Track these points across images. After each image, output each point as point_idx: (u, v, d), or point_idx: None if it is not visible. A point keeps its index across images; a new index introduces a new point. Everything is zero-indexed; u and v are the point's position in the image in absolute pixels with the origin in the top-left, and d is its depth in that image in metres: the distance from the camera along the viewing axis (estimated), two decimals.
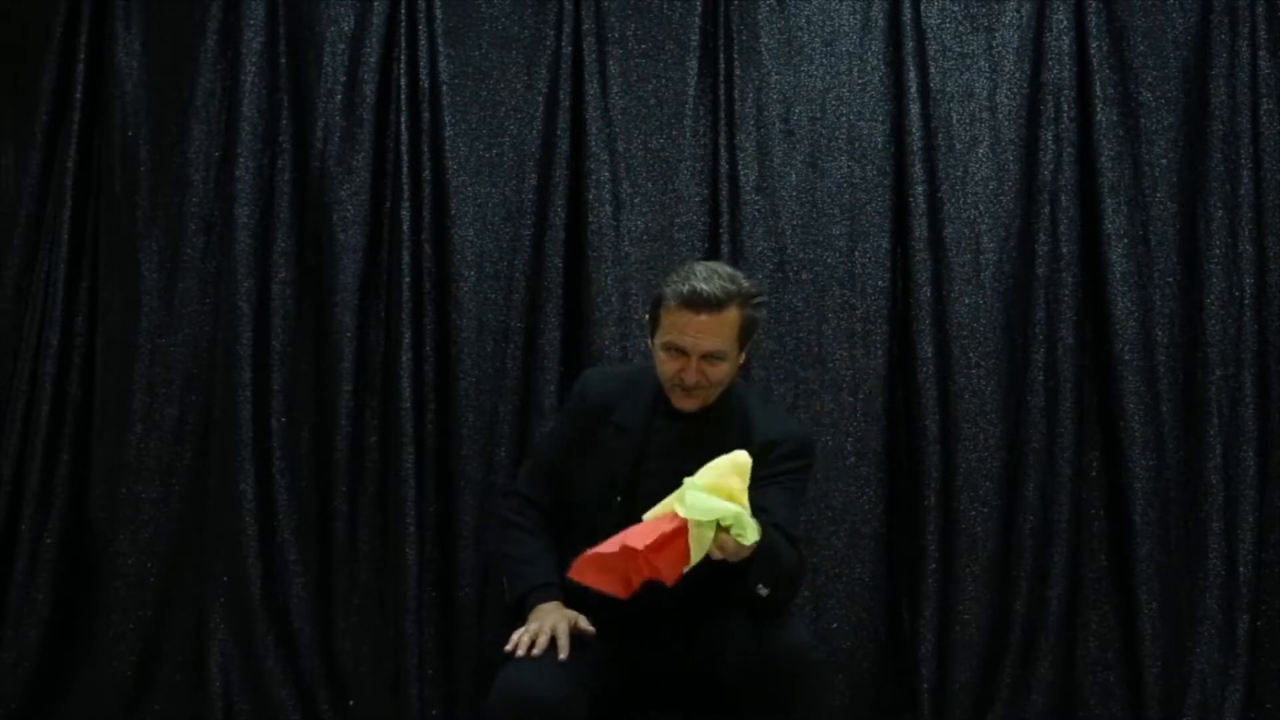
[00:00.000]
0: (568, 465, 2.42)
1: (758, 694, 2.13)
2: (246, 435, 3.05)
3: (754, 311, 2.29)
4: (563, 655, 2.16)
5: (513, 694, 2.10)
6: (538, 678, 2.11)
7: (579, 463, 2.40)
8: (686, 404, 2.31)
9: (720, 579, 2.22)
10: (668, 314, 2.26)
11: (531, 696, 2.08)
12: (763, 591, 2.15)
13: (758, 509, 2.11)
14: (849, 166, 3.15)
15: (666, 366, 2.28)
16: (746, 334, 2.30)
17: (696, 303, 2.21)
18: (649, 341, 2.37)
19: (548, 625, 2.21)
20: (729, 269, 2.33)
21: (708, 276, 2.24)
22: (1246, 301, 3.05)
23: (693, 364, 2.25)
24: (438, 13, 3.17)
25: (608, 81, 3.16)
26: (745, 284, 2.28)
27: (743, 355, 2.35)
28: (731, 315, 2.25)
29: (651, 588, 2.06)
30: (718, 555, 2.04)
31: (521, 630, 2.22)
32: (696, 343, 2.23)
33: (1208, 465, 3.01)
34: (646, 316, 2.37)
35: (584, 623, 2.24)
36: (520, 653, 2.17)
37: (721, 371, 2.28)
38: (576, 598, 2.29)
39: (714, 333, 2.23)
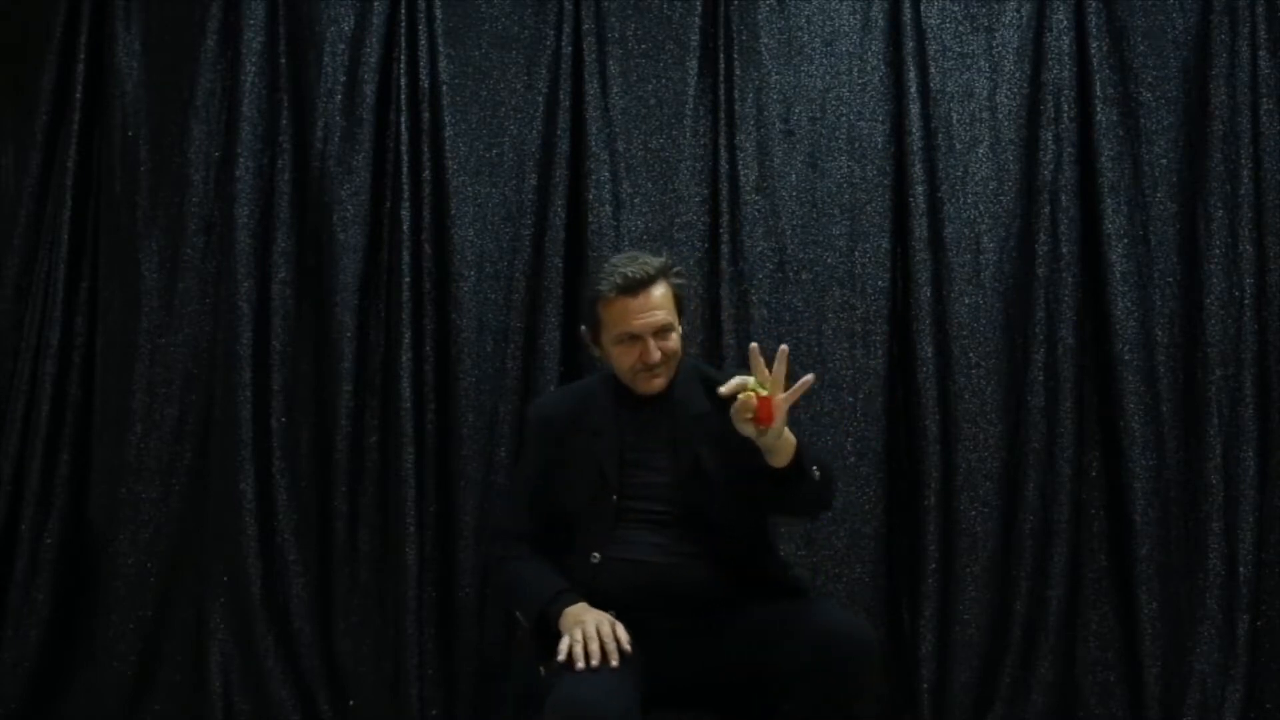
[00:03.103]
0: (550, 485, 2.41)
1: (818, 682, 2.11)
2: (246, 435, 3.05)
3: (679, 280, 2.42)
4: (626, 648, 2.12)
5: (577, 713, 2.01)
6: (598, 692, 2.04)
7: (561, 478, 2.40)
8: (655, 384, 2.37)
9: (745, 566, 2.29)
10: (609, 310, 2.34)
11: (598, 714, 2.00)
12: (816, 474, 2.23)
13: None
14: (849, 166, 3.15)
15: (626, 358, 2.35)
16: (680, 304, 2.42)
17: (633, 286, 2.32)
18: (595, 351, 2.44)
19: (592, 630, 2.14)
20: (638, 252, 2.44)
21: (628, 262, 2.36)
22: (1246, 301, 3.05)
23: (650, 344, 2.33)
24: (438, 13, 3.17)
25: (608, 81, 3.16)
26: (661, 260, 2.39)
27: (681, 326, 2.43)
28: (663, 288, 2.36)
29: (673, 580, 2.26)
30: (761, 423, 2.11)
31: (566, 640, 2.13)
32: (647, 322, 2.33)
33: (1208, 465, 3.01)
34: (583, 328, 2.44)
35: (621, 628, 2.17)
36: (580, 665, 2.09)
37: (674, 343, 2.37)
38: (599, 602, 2.25)
39: (657, 307, 2.34)
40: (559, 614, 2.23)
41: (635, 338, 2.33)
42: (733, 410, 2.11)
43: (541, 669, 2.21)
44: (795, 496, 2.25)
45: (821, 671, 2.10)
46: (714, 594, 2.30)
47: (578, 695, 2.03)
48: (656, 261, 2.37)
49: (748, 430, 2.12)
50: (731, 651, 2.24)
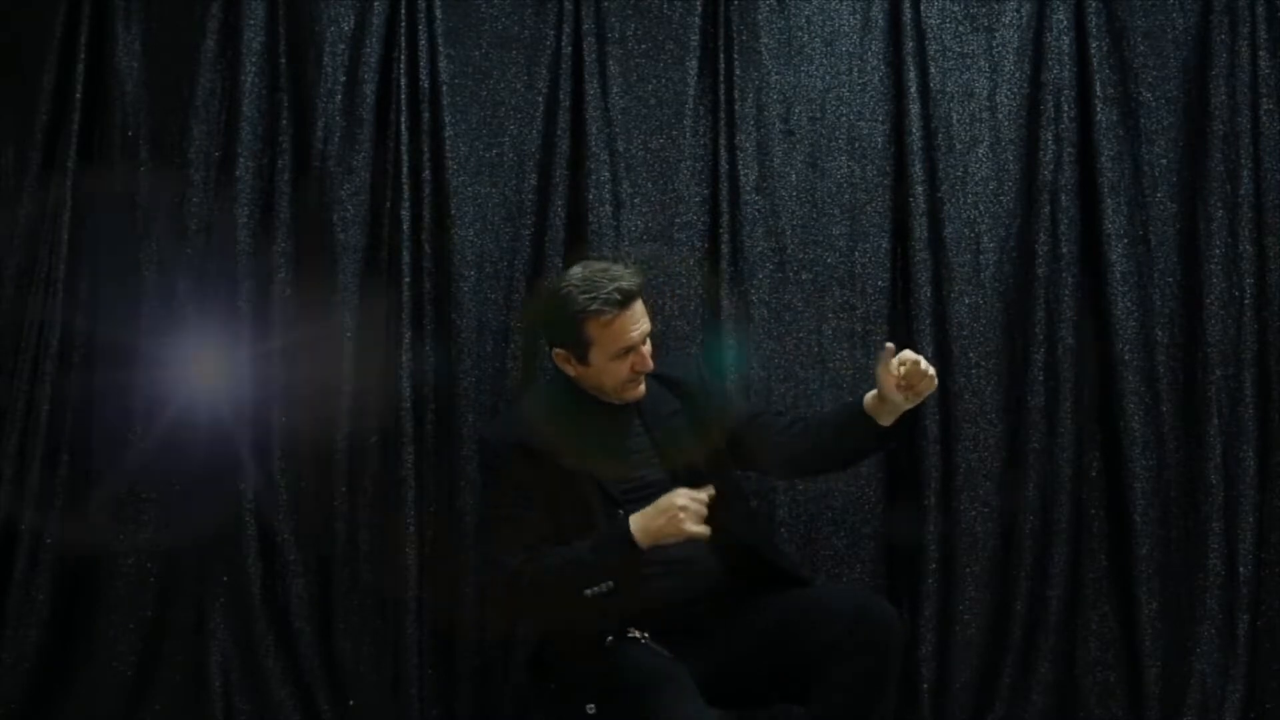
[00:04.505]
0: (547, 509, 2.34)
1: (856, 659, 2.15)
2: (246, 436, 3.05)
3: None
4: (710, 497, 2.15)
5: None
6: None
7: (558, 507, 2.34)
8: (640, 390, 2.40)
9: (755, 555, 2.35)
10: (606, 327, 2.30)
11: None
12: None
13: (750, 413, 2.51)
14: (849, 166, 3.15)
15: (620, 370, 2.35)
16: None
17: (630, 298, 2.31)
18: (572, 371, 2.40)
19: (680, 512, 2.14)
20: (592, 263, 2.43)
21: (609, 271, 2.34)
22: (1246, 301, 3.05)
23: (643, 350, 2.35)
24: (438, 13, 3.17)
25: (608, 81, 3.16)
26: (627, 266, 2.41)
27: None
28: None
29: (700, 575, 2.31)
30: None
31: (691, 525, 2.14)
32: (642, 330, 2.34)
33: (1208, 465, 3.01)
34: (559, 351, 2.40)
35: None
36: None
37: (649, 344, 2.39)
38: (635, 618, 2.27)
39: (645, 314, 2.36)
40: (626, 535, 2.18)
41: (629, 349, 2.32)
42: (900, 382, 2.21)
43: (590, 708, 2.20)
44: (883, 446, 2.45)
45: (858, 647, 2.15)
46: (736, 584, 2.33)
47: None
48: (626, 269, 2.36)
49: (901, 398, 2.24)
50: (764, 640, 2.27)
